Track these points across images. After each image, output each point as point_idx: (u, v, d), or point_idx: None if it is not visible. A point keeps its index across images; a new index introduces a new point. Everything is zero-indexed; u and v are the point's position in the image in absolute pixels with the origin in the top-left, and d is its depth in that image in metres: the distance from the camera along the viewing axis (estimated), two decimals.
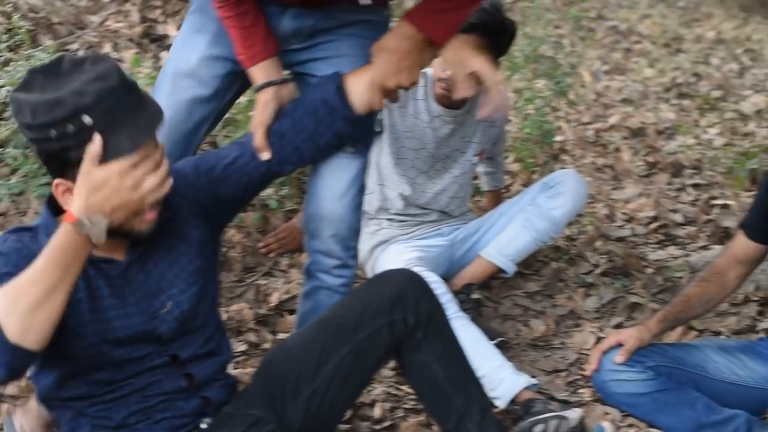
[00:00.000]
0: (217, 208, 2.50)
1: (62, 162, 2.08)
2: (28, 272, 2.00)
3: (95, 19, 5.60)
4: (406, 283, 2.54)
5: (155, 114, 2.15)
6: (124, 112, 2.07)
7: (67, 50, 5.13)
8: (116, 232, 2.14)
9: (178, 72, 2.75)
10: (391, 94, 2.65)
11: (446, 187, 3.91)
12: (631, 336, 3.14)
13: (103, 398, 2.29)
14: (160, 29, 5.68)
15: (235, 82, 2.80)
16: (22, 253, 2.13)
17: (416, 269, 3.45)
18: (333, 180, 2.76)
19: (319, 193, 2.77)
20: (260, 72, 2.64)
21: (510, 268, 3.88)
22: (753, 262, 3.24)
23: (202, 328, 2.43)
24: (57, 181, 2.11)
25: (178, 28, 5.45)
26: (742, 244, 3.20)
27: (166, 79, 2.80)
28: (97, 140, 2.02)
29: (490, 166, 4.22)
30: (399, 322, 2.47)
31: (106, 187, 2.03)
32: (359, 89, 2.61)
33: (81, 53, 5.01)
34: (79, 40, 5.31)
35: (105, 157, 2.03)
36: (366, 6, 2.70)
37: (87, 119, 2.02)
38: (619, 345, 3.15)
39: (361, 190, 2.83)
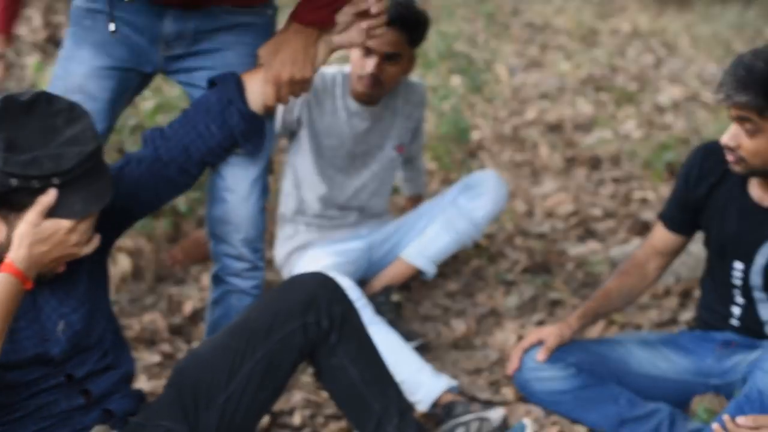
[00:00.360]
0: (108, 224, 2.41)
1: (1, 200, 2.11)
2: None
3: None
4: (318, 286, 2.54)
5: (108, 185, 2.22)
6: (85, 177, 2.14)
7: None
8: None
9: (66, 89, 2.63)
10: (285, 89, 2.63)
11: (366, 184, 3.85)
12: (551, 333, 3.13)
13: (0, 421, 2.24)
14: (63, 34, 5.55)
15: (126, 90, 2.72)
16: None
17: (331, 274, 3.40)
18: (236, 183, 2.73)
19: (223, 197, 2.73)
20: None
21: (430, 269, 3.82)
22: (672, 253, 3.25)
23: (98, 344, 2.39)
24: None
25: None
26: (662, 235, 3.22)
27: None
28: (51, 194, 2.09)
29: (410, 170, 4.18)
30: (312, 325, 2.48)
31: (51, 240, 2.13)
32: (255, 86, 2.60)
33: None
34: None
35: (54, 212, 2.11)
36: (248, 7, 2.69)
37: (55, 181, 2.09)
38: (540, 343, 3.14)
39: (264, 191, 2.79)
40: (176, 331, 3.55)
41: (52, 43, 5.44)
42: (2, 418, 2.24)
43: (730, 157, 2.83)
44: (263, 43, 2.66)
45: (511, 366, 3.18)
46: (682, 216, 3.17)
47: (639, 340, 3.22)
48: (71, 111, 2.16)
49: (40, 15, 5.54)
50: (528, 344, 3.16)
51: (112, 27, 2.57)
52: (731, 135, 2.78)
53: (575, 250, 4.40)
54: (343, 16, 2.64)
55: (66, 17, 5.43)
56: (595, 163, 5.45)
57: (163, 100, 4.23)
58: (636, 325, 3.77)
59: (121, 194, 2.40)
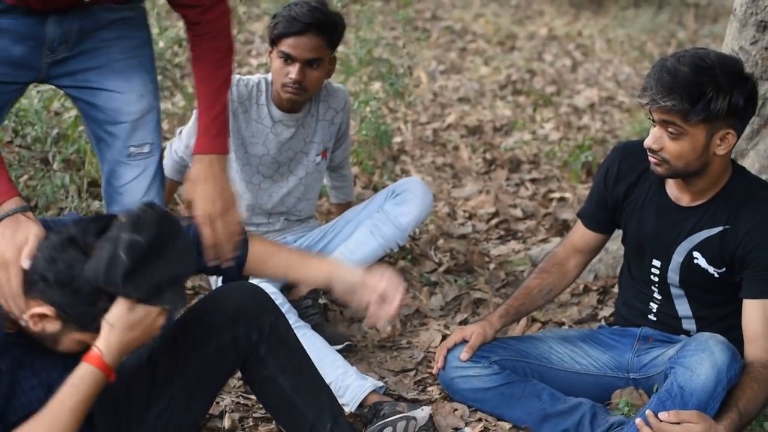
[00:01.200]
0: None
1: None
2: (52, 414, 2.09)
3: None
4: (246, 297, 2.53)
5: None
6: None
7: None
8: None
9: None
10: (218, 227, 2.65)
11: (292, 190, 3.89)
12: (474, 332, 3.17)
13: None
14: None
15: (5, 105, 2.72)
16: None
17: (254, 281, 3.43)
18: (138, 184, 2.80)
19: (126, 199, 2.78)
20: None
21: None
22: (591, 251, 3.33)
23: None
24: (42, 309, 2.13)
25: None
26: (581, 233, 3.30)
27: None
28: None
29: (338, 179, 4.22)
30: (242, 339, 2.47)
31: (142, 325, 2.14)
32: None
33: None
34: None
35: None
36: (125, 2, 2.71)
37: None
38: (464, 342, 3.18)
39: (161, 186, 2.88)
40: None
41: None
42: None
43: (653, 159, 2.88)
44: (140, 36, 2.73)
45: (436, 365, 3.23)
46: (600, 214, 3.24)
47: (559, 337, 3.28)
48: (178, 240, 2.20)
49: None
50: (452, 343, 3.20)
51: None
52: (654, 138, 2.83)
53: (496, 250, 4.48)
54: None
55: None
56: (514, 165, 5.53)
57: None
58: (557, 322, 3.85)
59: None
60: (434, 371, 3.27)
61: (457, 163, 5.55)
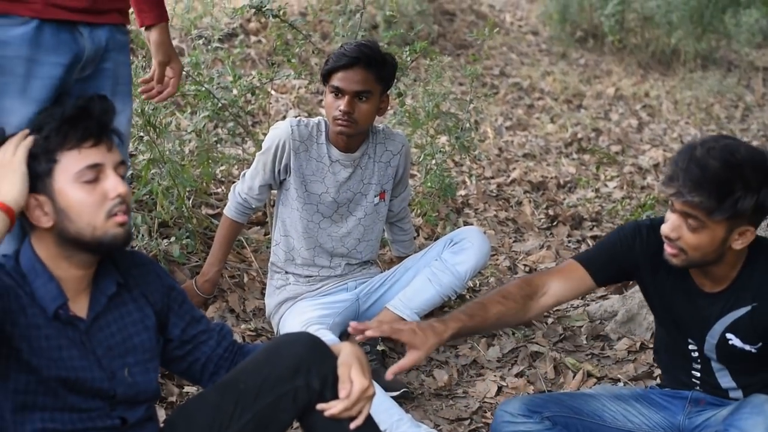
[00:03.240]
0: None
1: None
2: None
3: None
4: (306, 348, 2.53)
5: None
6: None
7: None
8: (87, 248, 2.26)
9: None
10: None
11: (351, 230, 3.98)
12: (410, 356, 2.83)
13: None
14: None
15: None
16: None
17: (313, 328, 3.51)
18: None
19: None
20: None
21: (415, 321, 3.90)
22: (569, 298, 3.22)
23: (149, 396, 2.48)
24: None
25: None
26: (576, 276, 3.12)
27: None
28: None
29: (399, 233, 4.31)
30: (302, 389, 2.47)
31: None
32: None
33: None
34: None
35: None
36: (126, 25, 2.89)
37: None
38: (516, 396, 3.15)
39: None
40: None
41: None
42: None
43: (668, 249, 2.81)
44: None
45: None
46: (609, 269, 3.12)
47: (612, 395, 3.22)
48: None
49: None
50: (378, 333, 2.83)
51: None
52: (673, 226, 2.76)
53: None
54: None
55: None
56: (576, 222, 5.58)
57: (155, 155, 4.34)
58: (612, 378, 3.88)
59: (173, 337, 2.55)
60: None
61: (519, 218, 5.60)
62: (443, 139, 5.58)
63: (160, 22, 3.06)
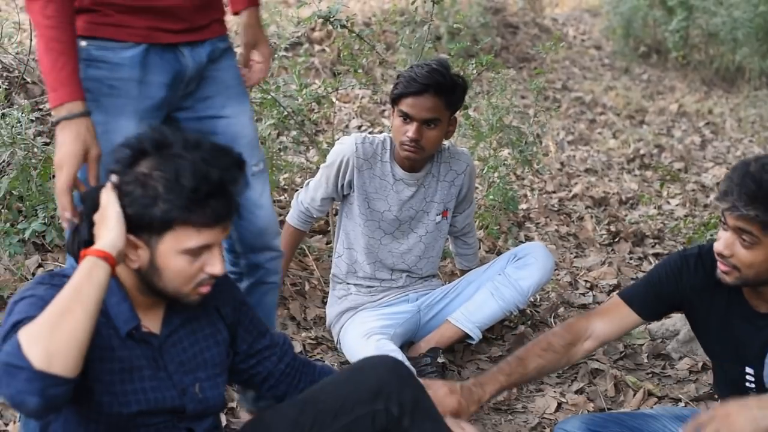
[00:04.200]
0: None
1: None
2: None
3: None
4: (387, 373, 2.54)
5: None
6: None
7: (41, 110, 5.18)
8: (164, 297, 2.27)
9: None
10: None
11: (412, 248, 3.99)
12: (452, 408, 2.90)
13: None
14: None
15: None
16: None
17: (374, 338, 3.52)
18: (262, 198, 3.01)
19: (256, 213, 2.99)
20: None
21: (476, 334, 3.92)
22: (612, 337, 3.20)
23: (216, 410, 2.51)
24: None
25: None
26: (622, 315, 3.12)
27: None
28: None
29: (463, 246, 4.30)
30: (381, 413, 2.48)
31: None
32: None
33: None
34: None
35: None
36: (226, 34, 2.95)
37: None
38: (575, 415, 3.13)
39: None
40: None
41: None
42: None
43: (722, 267, 2.78)
44: (236, 64, 2.99)
45: None
46: (656, 305, 3.11)
47: (673, 415, 3.19)
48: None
49: None
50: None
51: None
52: (726, 243, 2.72)
53: None
54: None
55: None
56: (638, 239, 5.54)
57: None
58: (673, 398, 3.84)
59: (242, 355, 2.56)
60: None
61: (581, 234, 5.58)
62: (506, 152, 5.58)
63: (249, 6, 3.06)
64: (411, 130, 3.68)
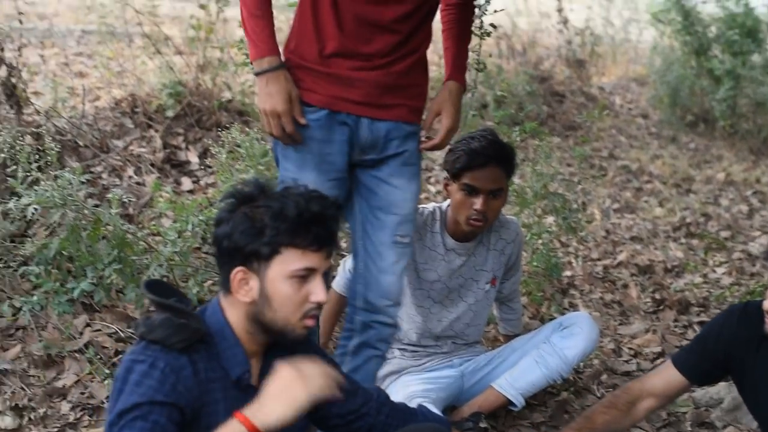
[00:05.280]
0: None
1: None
2: None
3: (119, 143, 5.78)
4: None
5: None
6: None
7: (92, 172, 5.29)
8: (272, 332, 2.37)
9: None
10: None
11: (461, 315, 4.01)
12: None
13: None
14: (182, 155, 5.85)
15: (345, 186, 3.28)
16: (181, 375, 2.24)
17: (416, 401, 3.55)
18: (398, 266, 3.29)
19: (386, 277, 3.26)
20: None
21: (519, 401, 3.93)
22: (669, 398, 3.26)
23: None
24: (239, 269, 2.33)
25: (199, 155, 5.68)
26: (668, 375, 3.20)
27: None
28: None
29: (508, 311, 4.33)
30: None
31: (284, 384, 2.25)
32: None
33: (105, 175, 5.19)
34: (103, 163, 5.47)
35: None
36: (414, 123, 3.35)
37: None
38: None
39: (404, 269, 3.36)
40: None
41: (169, 164, 5.72)
42: None
43: None
44: (418, 152, 3.34)
45: None
46: (701, 365, 3.15)
47: None
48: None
49: (159, 137, 5.84)
50: None
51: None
52: None
53: None
54: None
55: (184, 140, 5.77)
56: (683, 307, 5.50)
57: None
58: None
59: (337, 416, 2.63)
60: None
61: (625, 301, 5.57)
62: (550, 219, 5.60)
63: (448, 80, 3.39)
64: (478, 203, 3.72)
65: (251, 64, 3.13)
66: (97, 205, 4.42)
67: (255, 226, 2.28)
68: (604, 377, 4.49)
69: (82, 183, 4.20)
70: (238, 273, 2.32)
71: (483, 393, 3.97)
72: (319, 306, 2.36)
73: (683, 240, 6.96)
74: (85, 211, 4.17)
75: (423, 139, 3.36)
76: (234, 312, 2.36)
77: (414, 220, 3.35)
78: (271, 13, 3.10)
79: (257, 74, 3.08)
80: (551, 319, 4.29)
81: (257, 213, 2.29)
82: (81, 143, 5.58)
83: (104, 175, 5.40)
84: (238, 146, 4.62)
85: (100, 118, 6.01)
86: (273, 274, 2.30)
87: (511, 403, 3.94)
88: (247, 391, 2.36)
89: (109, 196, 4.34)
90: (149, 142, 5.88)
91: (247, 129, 5.17)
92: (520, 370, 3.95)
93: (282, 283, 2.31)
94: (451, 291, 3.96)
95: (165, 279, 4.28)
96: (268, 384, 2.23)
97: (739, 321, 3.03)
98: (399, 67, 3.17)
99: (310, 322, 2.36)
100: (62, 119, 5.70)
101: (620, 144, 9.48)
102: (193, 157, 5.84)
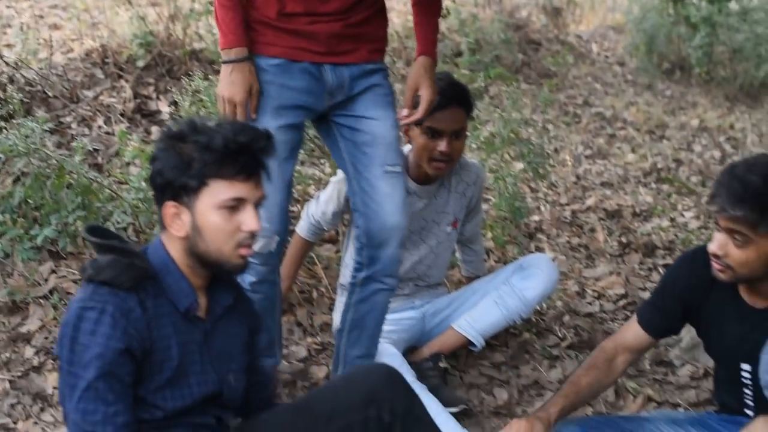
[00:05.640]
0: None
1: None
2: None
3: (89, 93, 5.79)
4: (382, 380, 2.65)
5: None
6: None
7: (61, 122, 5.31)
8: (209, 266, 2.41)
9: None
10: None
11: (423, 258, 4.06)
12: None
13: None
14: (153, 105, 5.87)
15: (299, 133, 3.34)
16: (131, 318, 2.28)
17: (380, 341, 3.60)
18: (394, 196, 3.33)
19: (384, 209, 3.33)
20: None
21: (479, 342, 4.00)
22: (641, 351, 3.32)
23: (239, 403, 2.61)
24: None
25: (170, 104, 5.69)
26: (635, 333, 3.25)
27: None
28: None
29: (469, 253, 4.37)
30: (373, 420, 2.58)
31: None
32: None
33: (75, 125, 5.21)
34: (72, 114, 5.49)
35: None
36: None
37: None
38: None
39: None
40: None
41: (139, 114, 5.73)
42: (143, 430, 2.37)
43: (716, 265, 2.86)
44: (389, 83, 3.41)
45: None
46: (663, 322, 3.21)
47: (668, 419, 3.25)
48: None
49: (130, 87, 5.85)
50: None
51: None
52: (719, 244, 2.82)
53: None
54: None
55: (154, 90, 5.79)
56: (649, 250, 5.57)
57: None
58: (673, 403, 3.89)
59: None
60: None
61: (591, 245, 5.63)
62: (519, 165, 5.63)
63: (420, 55, 3.43)
64: (443, 144, 3.76)
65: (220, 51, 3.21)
66: (68, 156, 4.45)
67: (183, 161, 2.31)
68: (566, 318, 4.56)
69: (46, 131, 4.23)
70: (169, 208, 2.36)
71: (443, 334, 4.03)
72: (252, 235, 2.39)
73: (653, 185, 7.01)
74: (50, 160, 4.20)
75: (404, 114, 3.41)
76: (173, 247, 2.40)
77: (399, 149, 3.39)
78: (241, 4, 3.16)
79: (224, 62, 3.15)
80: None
81: (185, 148, 2.32)
82: (50, 94, 5.59)
83: (74, 125, 5.41)
84: (199, 92, 4.65)
85: (70, 69, 6.01)
86: (202, 207, 2.33)
87: (471, 343, 4.00)
88: (196, 323, 2.42)
89: (74, 144, 4.36)
90: (119, 93, 5.88)
91: (210, 77, 5.20)
92: (480, 311, 4.01)
93: (212, 215, 2.33)
94: (413, 233, 3.98)
95: (131, 225, 4.33)
96: None
97: (690, 268, 3.09)
98: (356, 19, 3.25)
99: (245, 251, 2.39)
100: (32, 70, 5.71)
101: (595, 91, 9.49)
102: (164, 107, 5.84)
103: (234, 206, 2.35)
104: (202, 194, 2.33)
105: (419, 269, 4.07)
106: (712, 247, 2.84)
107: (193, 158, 2.31)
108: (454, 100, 3.76)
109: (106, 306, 2.25)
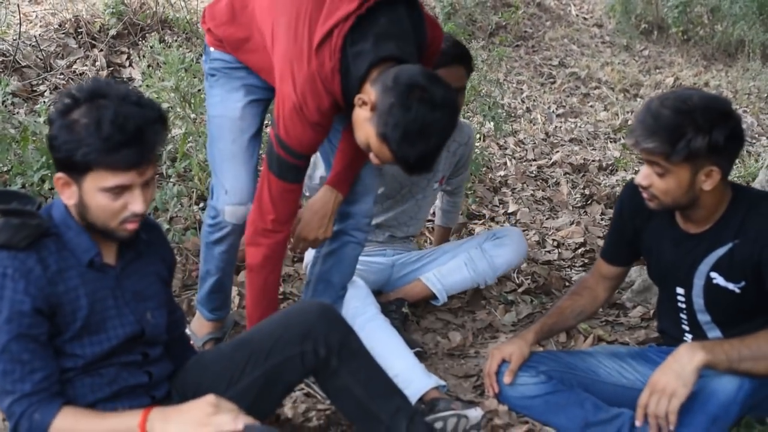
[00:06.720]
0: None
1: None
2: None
3: (62, 63, 5.91)
4: (316, 317, 2.75)
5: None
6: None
7: (34, 91, 5.43)
8: (100, 232, 2.46)
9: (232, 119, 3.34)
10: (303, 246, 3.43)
11: (407, 209, 4.20)
12: (513, 353, 3.31)
13: (81, 379, 2.50)
14: (126, 73, 5.98)
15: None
16: (31, 277, 2.36)
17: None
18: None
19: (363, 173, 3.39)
20: None
21: (443, 297, 4.14)
22: (618, 278, 3.52)
23: (163, 339, 2.71)
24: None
25: (143, 72, 5.80)
26: (605, 268, 3.49)
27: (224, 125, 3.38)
28: None
29: (448, 204, 4.51)
30: (309, 354, 2.70)
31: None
32: None
33: (47, 93, 5.33)
34: (46, 82, 5.61)
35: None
36: None
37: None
38: (505, 361, 3.35)
39: None
40: None
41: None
42: (71, 376, 2.46)
43: (644, 195, 3.03)
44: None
45: (493, 390, 3.35)
46: (619, 250, 3.43)
47: (609, 352, 3.41)
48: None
49: (103, 56, 5.96)
50: (495, 366, 3.34)
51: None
52: (643, 175, 2.97)
53: (578, 276, 4.68)
54: None
55: (127, 58, 5.89)
56: (611, 201, 5.69)
57: (190, 128, 4.61)
58: (623, 342, 4.00)
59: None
60: (491, 395, 3.37)
61: (555, 197, 5.74)
62: (478, 119, 5.71)
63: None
64: None
65: None
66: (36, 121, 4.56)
67: (73, 139, 2.31)
68: (524, 266, 4.68)
69: (9, 94, 4.33)
70: (60, 178, 2.41)
71: (410, 283, 4.17)
72: (139, 216, 2.45)
73: (622, 140, 7.11)
74: (13, 120, 4.31)
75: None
76: (71, 205, 2.47)
77: None
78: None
79: None
80: (478, 215, 4.43)
81: (76, 126, 2.32)
82: (24, 63, 5.70)
83: (47, 94, 5.53)
84: (160, 55, 4.75)
85: (44, 39, 6.12)
86: (87, 187, 2.38)
87: (434, 297, 4.15)
88: (104, 271, 2.52)
89: (37, 107, 4.47)
90: (93, 62, 5.99)
91: (167, 39, 5.28)
92: (449, 269, 4.15)
93: (96, 195, 2.38)
94: (404, 187, 4.12)
95: None
96: (185, 405, 2.38)
97: (631, 196, 3.26)
98: None
99: (131, 227, 2.46)
100: (5, 42, 5.83)
101: (572, 53, 9.57)
102: (137, 74, 5.96)
103: (119, 192, 2.39)
104: (88, 177, 2.36)
105: (401, 218, 4.21)
106: (638, 179, 3.00)
107: (81, 140, 2.31)
108: (456, 59, 3.84)
109: (6, 270, 2.33)
